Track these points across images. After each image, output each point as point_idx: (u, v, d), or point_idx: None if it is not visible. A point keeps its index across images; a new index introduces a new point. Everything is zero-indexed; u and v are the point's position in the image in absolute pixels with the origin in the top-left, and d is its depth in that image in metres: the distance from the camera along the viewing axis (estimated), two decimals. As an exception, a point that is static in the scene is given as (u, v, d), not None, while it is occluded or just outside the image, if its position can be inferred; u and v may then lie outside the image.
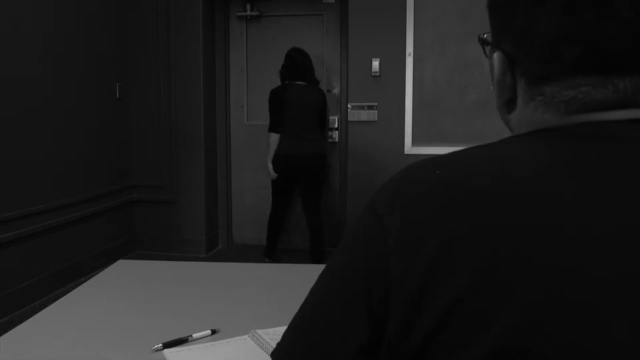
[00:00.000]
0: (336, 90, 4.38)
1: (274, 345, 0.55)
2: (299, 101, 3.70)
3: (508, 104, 0.56)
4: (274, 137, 3.72)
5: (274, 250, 4.06)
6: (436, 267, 0.43)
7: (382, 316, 0.45)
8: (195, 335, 1.07)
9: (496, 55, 0.55)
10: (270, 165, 3.76)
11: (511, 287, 0.40)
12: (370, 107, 3.95)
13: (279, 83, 3.87)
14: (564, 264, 0.40)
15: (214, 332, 1.09)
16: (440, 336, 0.42)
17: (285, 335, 0.53)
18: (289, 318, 0.54)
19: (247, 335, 1.07)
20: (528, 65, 0.52)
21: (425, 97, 3.89)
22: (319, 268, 0.54)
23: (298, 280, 1.35)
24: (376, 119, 3.96)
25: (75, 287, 1.36)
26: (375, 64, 3.90)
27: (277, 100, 3.71)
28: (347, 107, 3.99)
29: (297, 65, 3.75)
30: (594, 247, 0.40)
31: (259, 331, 1.06)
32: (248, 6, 4.46)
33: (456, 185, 0.46)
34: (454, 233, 0.43)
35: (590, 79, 0.48)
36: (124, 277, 1.43)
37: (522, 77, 0.53)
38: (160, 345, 1.02)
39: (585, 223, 0.41)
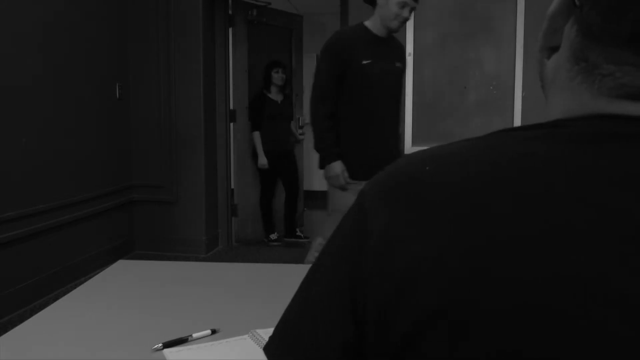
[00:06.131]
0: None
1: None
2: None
3: (551, 50, 0.49)
4: None
5: (272, 227, 4.79)
6: (414, 273, 0.41)
7: (362, 315, 0.44)
8: (195, 335, 1.07)
9: None
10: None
11: (489, 301, 0.39)
12: (370, 107, 3.94)
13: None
14: (540, 275, 0.38)
15: (214, 332, 1.09)
16: (416, 343, 0.41)
17: (276, 329, 0.53)
18: (288, 318, 0.54)
19: (247, 335, 1.07)
20: (588, 12, 0.44)
21: (425, 97, 3.89)
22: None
23: (298, 280, 1.35)
24: (376, 119, 3.95)
25: (75, 287, 1.36)
26: (375, 64, 3.89)
27: None
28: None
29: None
30: (565, 256, 0.38)
31: (259, 331, 1.06)
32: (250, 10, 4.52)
33: (443, 186, 0.44)
34: (435, 239, 0.42)
35: (638, 59, 0.42)
36: (124, 277, 1.43)
37: (576, 24, 0.46)
38: (160, 345, 1.02)
39: (566, 232, 0.39)
